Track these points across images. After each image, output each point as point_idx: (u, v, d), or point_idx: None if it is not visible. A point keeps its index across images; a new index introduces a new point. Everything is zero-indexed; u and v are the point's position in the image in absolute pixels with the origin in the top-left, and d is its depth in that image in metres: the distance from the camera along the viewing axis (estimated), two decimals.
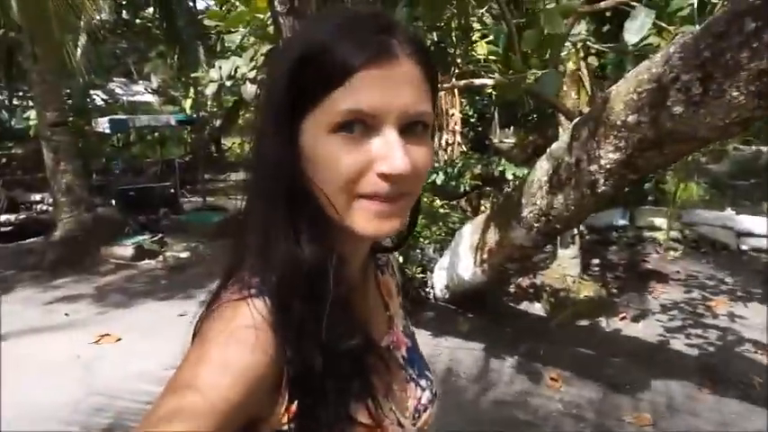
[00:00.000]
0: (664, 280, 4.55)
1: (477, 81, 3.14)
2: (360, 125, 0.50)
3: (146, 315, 4.14)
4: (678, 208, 5.85)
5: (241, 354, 0.49)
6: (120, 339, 3.68)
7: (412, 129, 0.52)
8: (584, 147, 2.48)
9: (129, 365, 3.19)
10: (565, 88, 4.78)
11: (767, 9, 1.68)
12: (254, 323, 0.50)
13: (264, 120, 0.54)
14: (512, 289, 4.33)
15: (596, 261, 5.12)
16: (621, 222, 5.76)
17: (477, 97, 7.98)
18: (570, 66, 4.44)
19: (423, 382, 0.67)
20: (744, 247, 5.33)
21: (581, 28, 4.28)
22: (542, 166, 2.80)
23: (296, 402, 0.51)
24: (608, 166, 2.34)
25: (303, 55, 0.51)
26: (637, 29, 2.65)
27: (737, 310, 3.85)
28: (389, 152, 0.50)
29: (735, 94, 1.79)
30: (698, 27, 2.03)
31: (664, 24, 3.32)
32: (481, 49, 5.28)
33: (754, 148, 11.86)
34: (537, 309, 4.03)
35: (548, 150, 2.76)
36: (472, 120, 8.04)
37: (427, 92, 0.54)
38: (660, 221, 5.65)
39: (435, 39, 3.20)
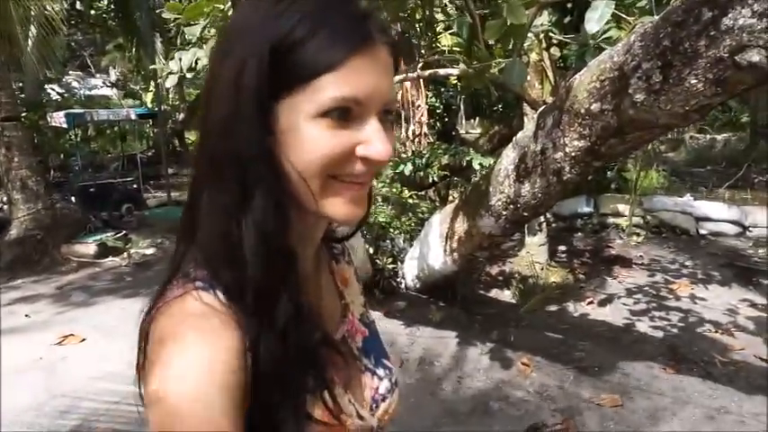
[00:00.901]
0: (628, 265, 4.68)
1: (442, 71, 3.14)
2: (345, 111, 0.50)
3: (111, 314, 4.03)
4: (640, 195, 6.01)
5: (210, 346, 0.47)
6: (84, 339, 3.58)
7: (384, 115, 0.53)
8: (549, 135, 2.52)
9: (94, 366, 3.10)
10: (529, 78, 4.84)
11: None
12: (209, 309, 0.49)
13: (227, 105, 0.51)
14: (482, 277, 4.38)
15: (563, 248, 5.22)
16: (586, 210, 5.89)
17: (443, 89, 8.04)
18: (533, 56, 4.49)
19: (380, 372, 0.66)
20: (702, 232, 5.51)
21: (543, 19, 4.33)
22: (509, 155, 2.83)
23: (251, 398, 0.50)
24: (573, 154, 2.38)
25: (279, 41, 0.50)
26: (597, 19, 2.69)
27: (698, 293, 3.99)
28: (373, 138, 0.51)
29: (693, 81, 1.84)
30: (657, 17, 2.08)
31: (623, 15, 3.39)
32: (445, 41, 5.30)
33: (708, 136, 12.30)
34: (506, 296, 4.09)
35: (514, 139, 2.79)
36: (438, 111, 8.08)
37: (393, 82, 0.55)
38: (623, 208, 5.79)
39: (399, 29, 3.19)
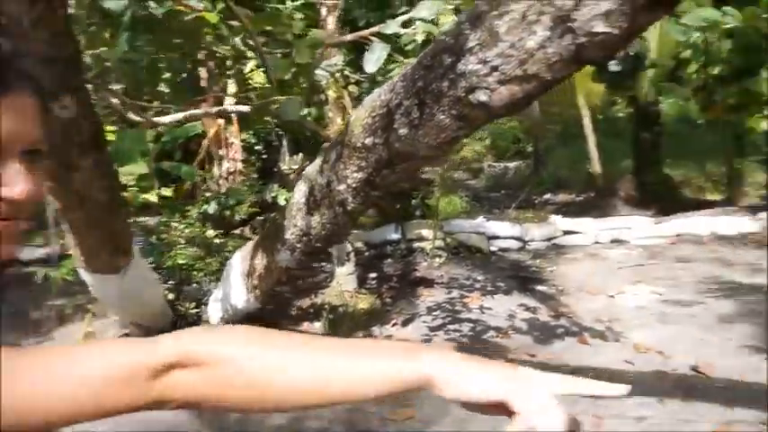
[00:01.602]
0: (430, 285, 5.04)
1: (231, 108, 3.13)
2: None
3: None
4: (442, 220, 6.56)
5: None
6: None
7: (28, 157, 0.55)
8: (333, 168, 2.64)
9: None
10: (331, 115, 5.06)
11: (459, 46, 1.99)
12: None
13: None
14: (293, 311, 4.37)
15: (374, 275, 5.45)
16: (395, 237, 6.25)
17: (260, 126, 8.01)
18: (331, 94, 4.70)
19: None
20: (493, 249, 6.19)
21: (338, 59, 4.59)
22: (300, 189, 2.90)
23: None
24: (354, 186, 2.52)
25: None
26: (374, 60, 2.94)
27: (486, 303, 4.44)
28: (14, 180, 0.53)
29: (442, 117, 2.08)
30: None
31: (401, 57, 3.72)
32: (258, 78, 5.32)
33: (503, 164, 13.96)
34: (317, 328, 4.13)
35: (303, 173, 2.88)
36: (257, 148, 8.04)
37: (40, 120, 0.57)
38: (427, 233, 6.25)
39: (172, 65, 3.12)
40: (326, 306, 4.36)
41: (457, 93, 2.00)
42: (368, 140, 2.42)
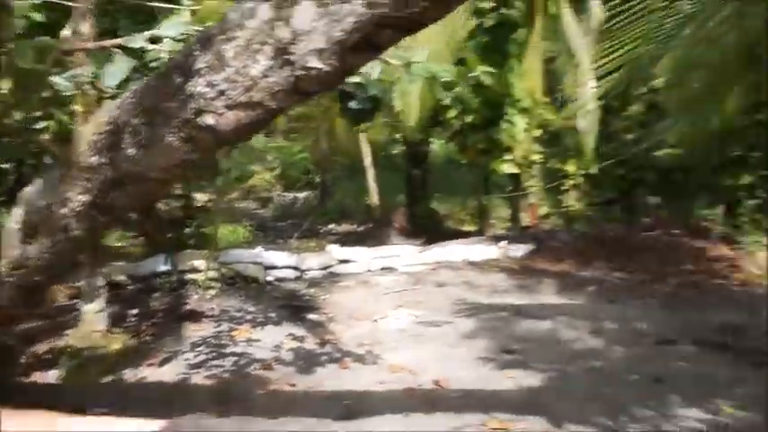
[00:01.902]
0: (198, 319, 4.76)
1: None
2: None
3: None
4: (220, 249, 6.32)
5: None
6: None
7: None
8: (55, 189, 2.34)
9: None
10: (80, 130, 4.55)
11: (189, 66, 1.92)
12: None
13: None
14: (24, 359, 3.73)
15: (135, 311, 4.97)
16: (164, 268, 5.80)
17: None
18: (79, 108, 4.23)
19: None
20: (270, 279, 6.12)
21: (88, 69, 4.17)
22: (16, 213, 2.51)
23: None
24: (78, 209, 2.26)
25: None
26: (115, 74, 2.72)
27: (255, 335, 4.33)
28: None
29: (171, 138, 1.97)
30: None
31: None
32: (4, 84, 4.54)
33: (293, 194, 14.10)
34: (52, 376, 3.58)
35: (19, 195, 2.50)
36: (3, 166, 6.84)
37: None
38: (201, 263, 5.94)
39: None
40: (69, 350, 3.82)
41: (186, 115, 1.92)
42: (93, 159, 2.21)
